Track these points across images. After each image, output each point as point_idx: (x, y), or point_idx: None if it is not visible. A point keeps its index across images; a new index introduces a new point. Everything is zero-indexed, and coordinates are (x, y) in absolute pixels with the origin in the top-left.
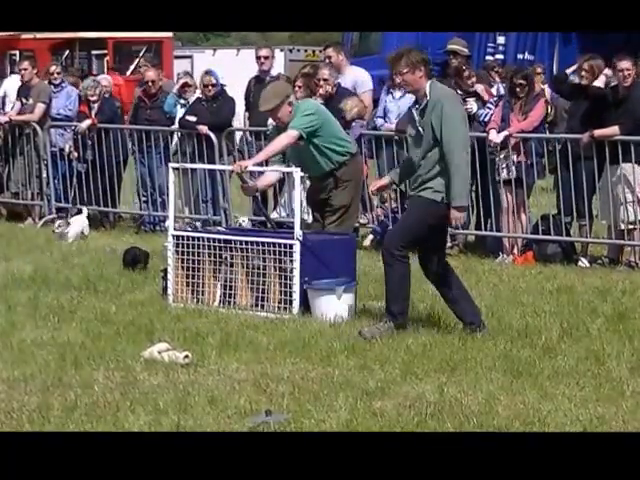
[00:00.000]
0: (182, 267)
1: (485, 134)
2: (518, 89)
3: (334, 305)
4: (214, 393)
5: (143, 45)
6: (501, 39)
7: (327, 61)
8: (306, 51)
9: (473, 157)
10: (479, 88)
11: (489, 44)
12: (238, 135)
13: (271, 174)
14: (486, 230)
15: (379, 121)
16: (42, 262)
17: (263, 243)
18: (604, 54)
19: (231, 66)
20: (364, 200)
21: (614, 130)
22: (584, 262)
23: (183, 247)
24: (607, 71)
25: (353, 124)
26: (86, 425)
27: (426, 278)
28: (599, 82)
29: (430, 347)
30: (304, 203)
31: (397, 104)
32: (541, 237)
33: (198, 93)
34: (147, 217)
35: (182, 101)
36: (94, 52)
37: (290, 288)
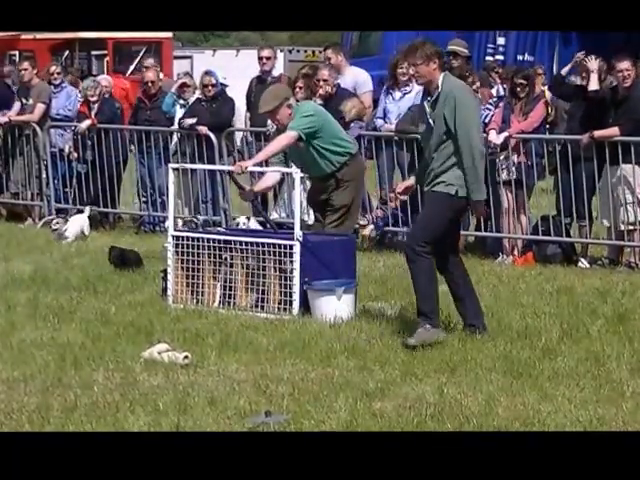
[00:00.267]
0: (182, 268)
1: (485, 135)
2: (518, 89)
3: (334, 306)
4: (214, 394)
5: (143, 45)
6: (501, 40)
7: (327, 62)
8: (306, 51)
9: None
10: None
11: (489, 45)
12: (238, 136)
13: (269, 177)
14: (486, 231)
15: (379, 122)
16: (42, 263)
17: (263, 244)
18: (604, 54)
19: (231, 66)
20: (363, 201)
21: (614, 131)
22: (584, 263)
23: (183, 248)
24: (594, 65)
25: (352, 124)
26: (86, 426)
27: (438, 273)
28: (593, 84)
29: (430, 348)
30: (304, 204)
31: (397, 105)
32: (541, 238)
33: (198, 93)
34: (147, 217)
35: (181, 101)
36: (94, 52)
37: (290, 289)
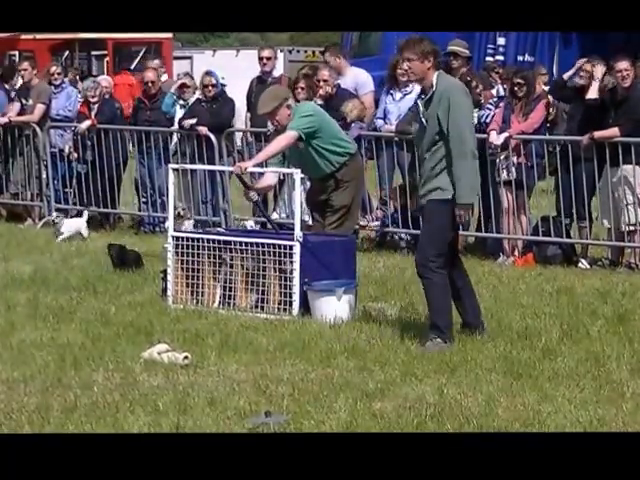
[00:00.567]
0: (182, 268)
1: (485, 135)
2: (516, 88)
3: (334, 306)
4: (214, 394)
5: (143, 46)
6: (501, 40)
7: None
8: (306, 52)
9: None
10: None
11: (489, 45)
12: (238, 136)
13: (268, 177)
14: (486, 231)
15: (379, 122)
16: (42, 263)
17: (263, 244)
18: (604, 54)
19: (231, 67)
20: (363, 201)
21: (614, 132)
22: (584, 264)
23: (183, 248)
24: (599, 73)
25: (352, 125)
26: (85, 426)
27: None
28: (592, 92)
29: None
30: (304, 204)
31: (397, 105)
32: (541, 239)
33: (197, 94)
34: (147, 218)
35: (181, 102)
36: (94, 53)
37: (290, 289)
